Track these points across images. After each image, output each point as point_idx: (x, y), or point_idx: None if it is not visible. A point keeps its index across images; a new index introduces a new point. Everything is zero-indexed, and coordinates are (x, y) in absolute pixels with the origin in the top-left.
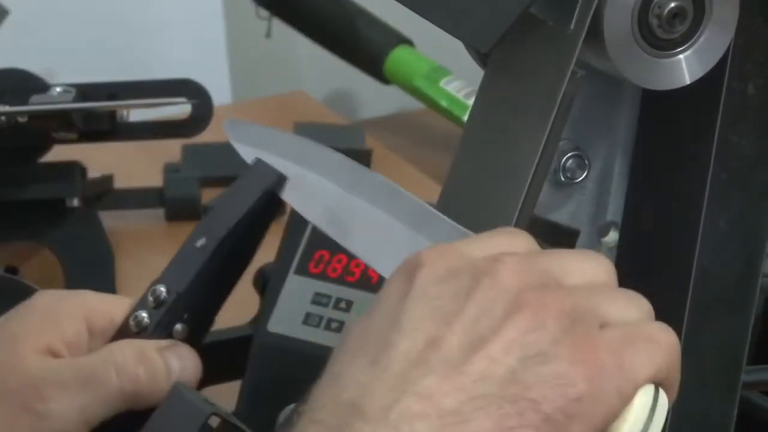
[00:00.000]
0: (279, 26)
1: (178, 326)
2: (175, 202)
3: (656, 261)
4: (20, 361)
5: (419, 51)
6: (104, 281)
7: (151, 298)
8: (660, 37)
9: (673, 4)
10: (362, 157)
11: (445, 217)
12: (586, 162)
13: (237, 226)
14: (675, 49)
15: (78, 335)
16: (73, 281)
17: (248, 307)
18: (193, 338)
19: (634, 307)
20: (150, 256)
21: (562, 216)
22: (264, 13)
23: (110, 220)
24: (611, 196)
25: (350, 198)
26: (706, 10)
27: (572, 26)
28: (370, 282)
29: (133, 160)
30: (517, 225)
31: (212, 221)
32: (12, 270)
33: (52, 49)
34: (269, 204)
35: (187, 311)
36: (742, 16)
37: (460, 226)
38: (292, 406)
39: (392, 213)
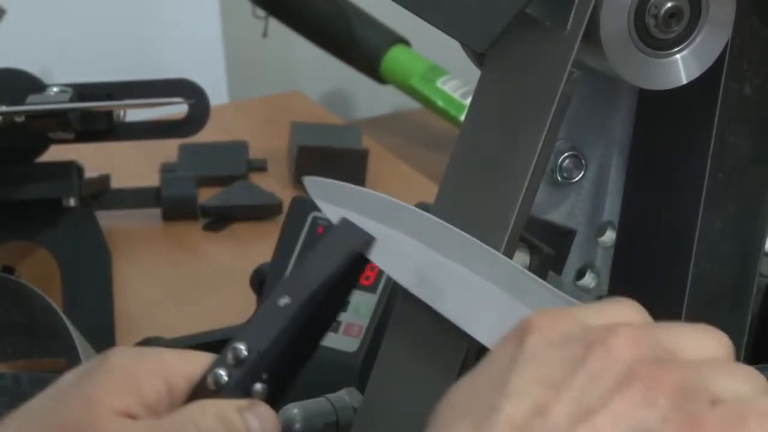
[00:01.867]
0: (276, 26)
1: (258, 386)
2: (171, 202)
3: (653, 260)
4: (99, 423)
5: (416, 51)
6: (101, 281)
7: (230, 356)
8: (657, 37)
9: (669, 5)
10: (358, 156)
11: (545, 283)
12: (583, 162)
13: (322, 286)
14: (672, 49)
15: (158, 396)
16: (70, 281)
17: (245, 307)
18: (272, 398)
19: (748, 382)
20: (146, 255)
21: (558, 216)
22: (261, 12)
23: (107, 219)
24: (608, 196)
25: (442, 260)
26: (703, 11)
27: (569, 26)
28: (367, 282)
29: (129, 160)
30: (514, 225)
31: (297, 280)
32: (9, 270)
33: (49, 49)
34: (355, 265)
35: (267, 371)
36: (739, 16)
37: (561, 293)
38: (290, 405)
39: (488, 277)
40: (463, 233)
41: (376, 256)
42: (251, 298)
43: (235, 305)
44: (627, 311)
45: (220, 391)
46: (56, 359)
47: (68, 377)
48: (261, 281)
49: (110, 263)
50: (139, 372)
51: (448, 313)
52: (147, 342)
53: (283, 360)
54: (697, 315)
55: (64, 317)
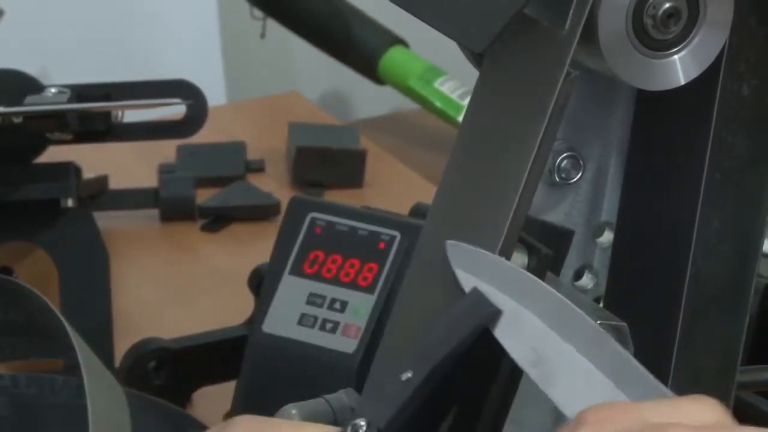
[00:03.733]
0: (273, 27)
1: None
2: (169, 203)
3: (651, 261)
4: None
5: (413, 51)
6: (99, 281)
7: None
8: (654, 37)
9: (667, 5)
10: (356, 157)
11: (651, 375)
12: (581, 162)
13: (445, 360)
14: (669, 49)
15: None
16: (68, 282)
17: (243, 308)
18: None
19: None
20: (145, 256)
21: (556, 216)
22: (259, 13)
23: (105, 220)
24: (606, 197)
25: (560, 342)
26: (701, 11)
27: (567, 27)
28: (365, 283)
29: (127, 161)
30: (512, 225)
31: (420, 353)
32: (6, 270)
33: (47, 50)
34: (481, 338)
35: None
36: (737, 16)
37: (664, 387)
38: (288, 406)
39: (597, 363)
40: (585, 315)
41: (499, 331)
42: (249, 298)
43: (234, 306)
44: (700, 410)
45: None
46: (54, 360)
47: None
48: (259, 282)
49: (108, 264)
50: None
51: (556, 398)
52: (145, 343)
53: None
54: (695, 316)
55: (62, 318)
